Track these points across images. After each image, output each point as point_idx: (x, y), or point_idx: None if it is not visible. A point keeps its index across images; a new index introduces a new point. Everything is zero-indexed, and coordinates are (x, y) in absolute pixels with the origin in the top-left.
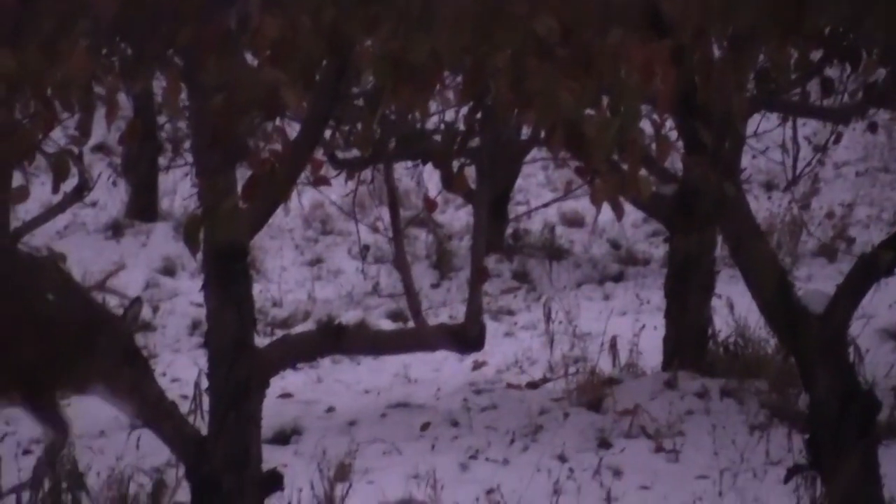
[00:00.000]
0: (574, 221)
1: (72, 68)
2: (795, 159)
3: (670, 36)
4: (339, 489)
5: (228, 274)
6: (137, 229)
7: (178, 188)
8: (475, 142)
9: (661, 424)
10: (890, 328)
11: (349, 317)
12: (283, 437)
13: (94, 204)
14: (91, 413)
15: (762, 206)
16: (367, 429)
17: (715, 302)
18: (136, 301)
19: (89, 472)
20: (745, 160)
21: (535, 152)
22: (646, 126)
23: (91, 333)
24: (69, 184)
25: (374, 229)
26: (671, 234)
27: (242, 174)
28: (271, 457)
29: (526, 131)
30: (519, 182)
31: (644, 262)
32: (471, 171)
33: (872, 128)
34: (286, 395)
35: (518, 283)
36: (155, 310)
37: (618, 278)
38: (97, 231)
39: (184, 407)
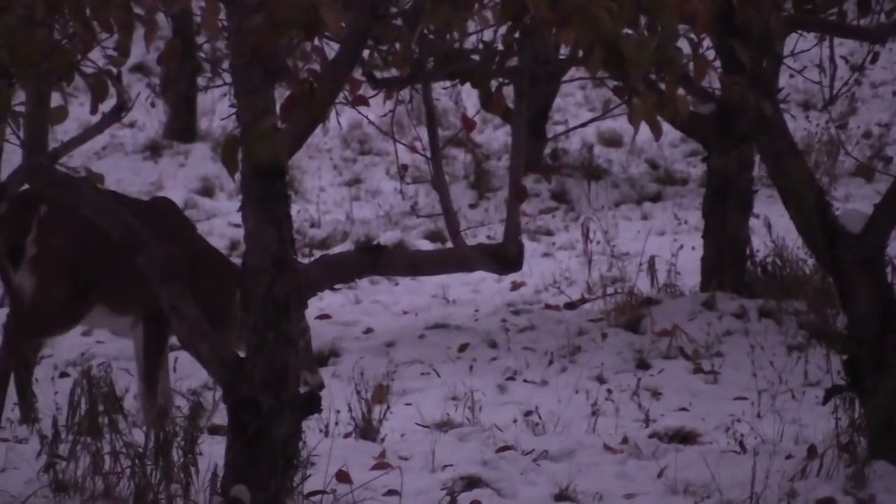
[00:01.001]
0: (612, 141)
1: None
2: (832, 79)
3: None
4: (377, 411)
5: (267, 194)
6: (176, 150)
7: (217, 108)
8: (513, 61)
9: (699, 345)
10: None
11: (387, 237)
12: (322, 359)
13: (132, 124)
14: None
15: (799, 126)
16: (405, 350)
17: (753, 222)
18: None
19: (126, 395)
20: (783, 80)
21: (572, 72)
22: (683, 45)
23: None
24: (108, 104)
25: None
26: (709, 153)
27: (281, 94)
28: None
29: (564, 51)
30: (557, 101)
31: (682, 181)
32: (509, 91)
33: None
34: (324, 317)
35: (556, 203)
36: None
37: (656, 198)
38: (135, 152)
39: None
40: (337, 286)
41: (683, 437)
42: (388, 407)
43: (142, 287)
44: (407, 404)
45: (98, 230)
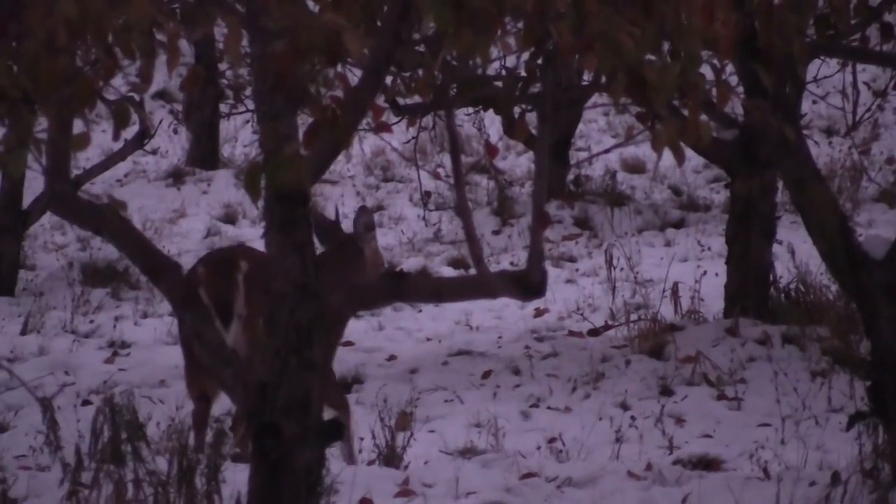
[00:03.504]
0: (635, 167)
1: (133, 14)
2: (855, 105)
3: None
4: (401, 438)
5: (290, 220)
6: (198, 177)
7: (239, 135)
8: (536, 87)
9: (722, 371)
10: None
11: (410, 264)
12: (345, 386)
13: (154, 151)
14: (151, 362)
15: (822, 152)
16: (429, 377)
17: (776, 248)
18: (363, 209)
19: (149, 422)
20: (806, 105)
21: (595, 98)
22: (706, 71)
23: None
24: (130, 131)
25: (436, 176)
26: (732, 179)
27: (304, 120)
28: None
29: (587, 76)
30: (580, 128)
31: (705, 207)
32: (532, 117)
33: None
34: (347, 343)
35: (579, 229)
36: None
37: (679, 224)
38: (158, 179)
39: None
40: (360, 313)
41: (707, 464)
42: (412, 434)
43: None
44: (430, 431)
45: None
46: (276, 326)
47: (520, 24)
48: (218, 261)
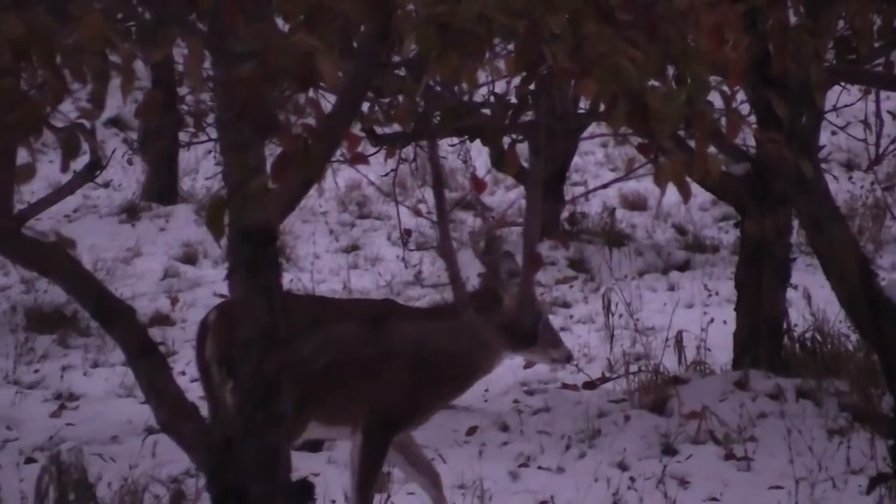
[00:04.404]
0: (636, 204)
1: (84, 33)
2: (879, 136)
3: None
4: (377, 501)
5: (256, 260)
6: (155, 212)
7: (201, 167)
8: (528, 116)
9: (730, 429)
10: None
11: None
12: (315, 443)
13: (107, 184)
14: (102, 416)
15: (842, 188)
16: None
17: (790, 293)
18: (507, 254)
19: (99, 482)
20: (824, 137)
21: (593, 127)
22: (715, 98)
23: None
24: (80, 162)
25: (417, 212)
26: (742, 218)
27: (272, 151)
28: (302, 465)
29: (584, 104)
30: (576, 160)
31: (713, 248)
32: (523, 149)
33: None
34: None
35: (574, 271)
36: (174, 302)
37: (684, 267)
38: (110, 214)
39: (205, 409)
40: None
41: None
42: (389, 496)
43: (359, 396)
44: (410, 493)
45: None
46: (242, 377)
47: (510, 47)
48: (226, 311)
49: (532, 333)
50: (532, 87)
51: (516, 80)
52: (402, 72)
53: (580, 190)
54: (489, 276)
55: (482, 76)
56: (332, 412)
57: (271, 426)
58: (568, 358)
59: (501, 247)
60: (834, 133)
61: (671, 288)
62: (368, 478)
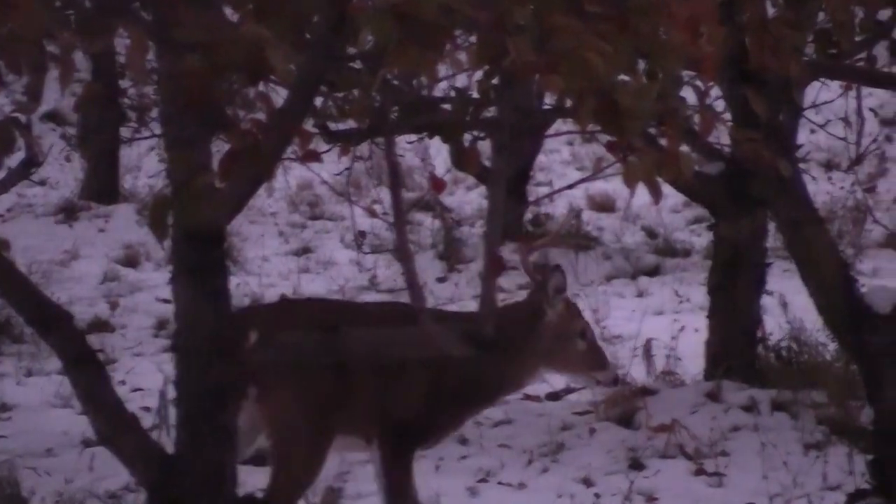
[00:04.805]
0: (604, 205)
1: (20, 21)
2: (860, 135)
3: None
4: None
5: (202, 263)
6: (94, 212)
7: (143, 164)
8: (490, 112)
9: (701, 443)
10: None
11: None
12: (262, 457)
13: (43, 182)
14: (37, 427)
15: (821, 189)
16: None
17: (766, 300)
18: (557, 268)
19: (33, 497)
20: (803, 135)
21: (559, 124)
22: (688, 95)
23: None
24: (15, 158)
25: (372, 213)
26: (716, 220)
27: (219, 147)
28: (248, 479)
29: (549, 100)
30: (540, 159)
31: (684, 253)
32: (485, 146)
33: None
34: None
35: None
36: (113, 307)
37: (654, 272)
38: (47, 214)
39: (147, 420)
40: None
41: None
42: None
43: (373, 402)
44: None
45: None
46: (186, 389)
47: (473, 39)
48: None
49: (493, 340)
50: (495, 81)
51: (478, 75)
52: (357, 65)
53: (545, 190)
54: (537, 290)
55: (442, 70)
56: (348, 421)
57: (217, 440)
58: (615, 381)
59: (551, 261)
60: (813, 131)
61: (640, 294)
62: (397, 493)
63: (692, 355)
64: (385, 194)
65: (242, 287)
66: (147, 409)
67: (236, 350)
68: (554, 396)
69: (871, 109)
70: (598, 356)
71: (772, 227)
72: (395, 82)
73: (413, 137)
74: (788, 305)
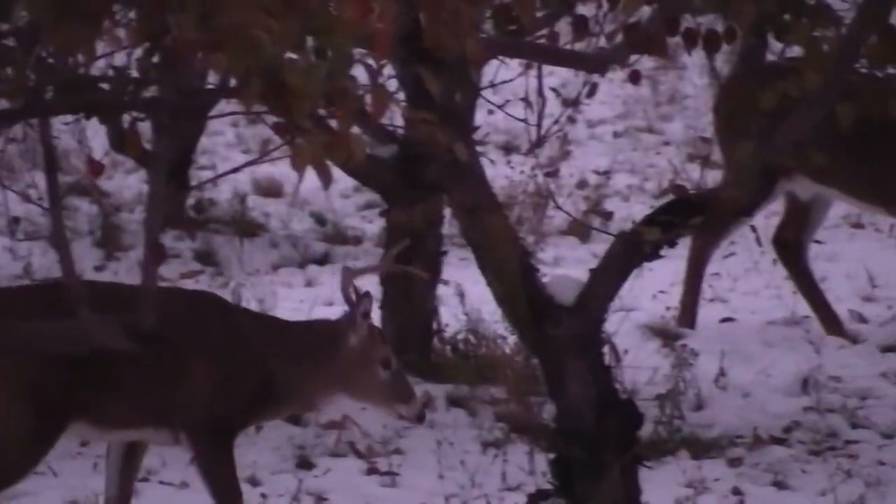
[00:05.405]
0: (270, 190)
1: None
2: (541, 116)
3: None
4: None
5: None
6: None
7: None
8: (151, 92)
9: (374, 440)
10: (654, 324)
11: None
12: None
13: None
14: None
15: (500, 173)
16: None
17: (442, 290)
18: (367, 295)
19: None
20: (480, 116)
21: (223, 105)
22: (360, 73)
23: None
24: None
25: (26, 198)
26: (389, 206)
27: None
28: None
29: (213, 79)
30: (203, 142)
31: (355, 240)
32: (145, 128)
33: (634, 78)
34: None
35: (201, 265)
36: None
37: (323, 260)
38: None
39: None
40: None
41: None
42: None
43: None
44: None
45: None
46: None
47: (132, 15)
48: None
49: (150, 334)
50: (156, 59)
51: (138, 52)
52: (10, 41)
53: (208, 174)
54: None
55: (100, 47)
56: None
57: None
58: (420, 417)
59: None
60: (491, 112)
61: (309, 283)
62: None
63: None
64: (40, 178)
65: None
66: None
67: None
68: None
69: (553, 89)
70: (401, 388)
71: (448, 213)
72: (51, 60)
73: (69, 118)
74: (466, 296)
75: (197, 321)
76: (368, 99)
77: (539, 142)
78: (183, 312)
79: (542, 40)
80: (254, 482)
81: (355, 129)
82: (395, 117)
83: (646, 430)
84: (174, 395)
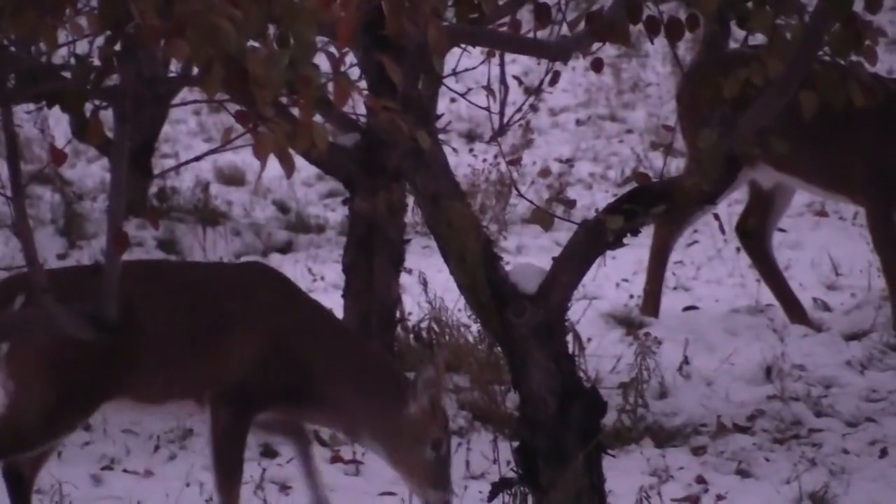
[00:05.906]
0: (233, 178)
1: None
2: (503, 104)
3: None
4: None
5: None
6: None
7: None
8: (113, 80)
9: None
10: (617, 312)
11: None
12: None
13: None
14: None
15: (463, 161)
16: None
17: (405, 278)
18: (432, 365)
19: None
20: (443, 104)
21: (185, 93)
22: (322, 62)
23: None
24: None
25: None
26: (352, 194)
27: None
28: None
29: (176, 67)
30: (165, 130)
31: (318, 228)
32: (107, 116)
33: (596, 66)
34: None
35: (164, 253)
36: None
37: (286, 249)
38: None
39: None
40: None
41: None
42: None
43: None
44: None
45: None
46: None
47: (94, 2)
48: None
49: (117, 322)
50: (118, 47)
51: (100, 40)
52: None
53: (171, 163)
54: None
55: (62, 36)
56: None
57: None
58: None
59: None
60: (453, 100)
61: None
62: (225, 472)
63: None
64: (2, 167)
65: None
66: None
67: None
68: None
69: (516, 77)
70: (440, 475)
71: (410, 201)
72: (12, 49)
73: (32, 107)
74: (429, 284)
75: (251, 290)
76: (331, 87)
77: (501, 130)
78: (236, 279)
79: (505, 28)
80: None
81: (318, 118)
82: (357, 105)
83: (609, 419)
84: (212, 366)
